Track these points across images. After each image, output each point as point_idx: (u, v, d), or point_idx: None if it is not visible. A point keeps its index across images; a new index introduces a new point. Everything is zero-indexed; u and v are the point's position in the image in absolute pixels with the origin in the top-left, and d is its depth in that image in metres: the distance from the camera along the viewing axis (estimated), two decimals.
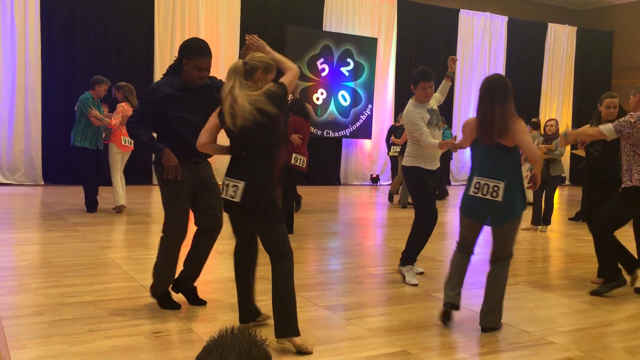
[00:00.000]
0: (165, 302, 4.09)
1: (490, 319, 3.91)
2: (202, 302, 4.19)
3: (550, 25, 16.49)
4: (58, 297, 4.20)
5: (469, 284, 5.24)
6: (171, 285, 4.15)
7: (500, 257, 3.95)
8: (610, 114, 5.26)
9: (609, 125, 4.78)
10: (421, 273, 5.36)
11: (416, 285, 4.98)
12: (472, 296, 4.77)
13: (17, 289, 4.39)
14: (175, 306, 4.07)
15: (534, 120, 10.70)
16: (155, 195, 10.12)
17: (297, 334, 3.37)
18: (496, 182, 3.78)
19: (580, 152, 9.15)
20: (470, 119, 4.04)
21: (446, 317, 3.99)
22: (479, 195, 3.84)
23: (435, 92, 5.33)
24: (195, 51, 3.84)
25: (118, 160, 8.02)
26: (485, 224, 3.96)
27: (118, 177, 8.00)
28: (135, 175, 11.72)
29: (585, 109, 16.80)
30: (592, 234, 5.16)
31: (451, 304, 3.97)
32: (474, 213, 3.95)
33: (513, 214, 3.85)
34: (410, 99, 5.30)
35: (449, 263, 4.16)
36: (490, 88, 3.81)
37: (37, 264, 5.19)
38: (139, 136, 3.89)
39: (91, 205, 8.04)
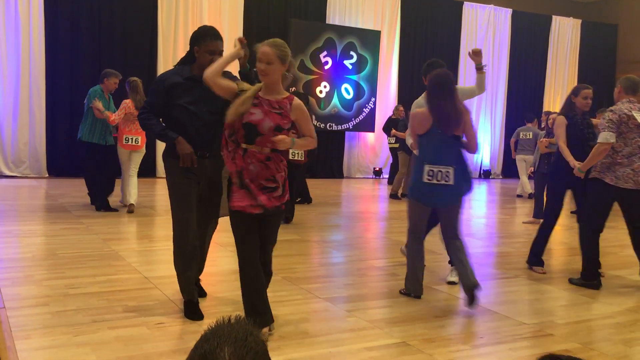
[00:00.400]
0: (188, 310, 3.86)
1: (471, 284, 4.17)
2: (204, 294, 4.22)
3: (554, 17, 16.43)
4: (62, 289, 4.25)
5: None
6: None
7: (455, 234, 4.38)
8: (586, 104, 5.46)
9: (605, 134, 4.87)
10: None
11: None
12: None
13: (21, 280, 4.45)
14: (197, 317, 3.79)
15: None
16: (159, 188, 10.17)
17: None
18: (447, 168, 4.21)
19: None
20: (419, 111, 4.39)
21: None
22: (434, 181, 4.22)
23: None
24: (205, 36, 3.82)
25: (125, 158, 7.78)
26: (435, 207, 4.38)
27: (127, 176, 7.80)
28: (140, 168, 11.78)
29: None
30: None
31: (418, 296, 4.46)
32: (429, 199, 4.31)
33: (461, 194, 4.30)
34: (424, 93, 5.16)
35: (407, 255, 4.56)
36: (447, 83, 4.24)
37: (41, 255, 5.25)
38: (151, 127, 3.87)
39: (96, 201, 7.75)
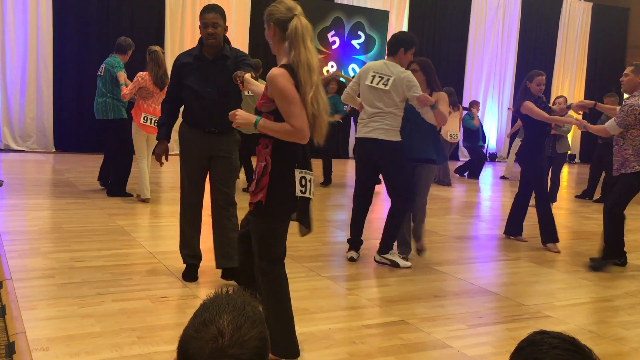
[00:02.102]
0: (185, 273, 4.11)
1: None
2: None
3: (565, 0, 16.26)
4: (68, 261, 4.32)
5: (471, 257, 5.33)
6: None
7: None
8: (539, 90, 5.67)
9: (612, 123, 5.00)
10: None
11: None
12: (472, 270, 4.85)
13: (28, 252, 4.52)
14: (192, 278, 4.07)
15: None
16: (165, 165, 10.22)
17: None
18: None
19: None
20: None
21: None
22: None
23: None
24: (201, 11, 3.92)
25: (141, 142, 6.71)
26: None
27: (144, 163, 6.70)
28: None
29: (597, 87, 16.64)
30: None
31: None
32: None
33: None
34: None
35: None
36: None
37: (47, 229, 5.32)
38: (160, 118, 4.18)
39: (114, 185, 7.02)
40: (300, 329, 3.32)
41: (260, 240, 2.92)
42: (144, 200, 6.79)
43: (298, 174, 2.80)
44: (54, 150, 11.01)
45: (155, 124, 6.37)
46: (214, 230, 4.08)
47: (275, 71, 2.73)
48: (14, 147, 10.80)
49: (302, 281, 4.24)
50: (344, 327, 3.42)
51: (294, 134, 2.75)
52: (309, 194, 2.86)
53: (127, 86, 6.69)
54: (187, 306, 3.61)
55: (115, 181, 7.04)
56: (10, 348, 2.82)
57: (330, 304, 3.81)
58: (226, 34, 4.00)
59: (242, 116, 2.85)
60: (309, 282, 4.23)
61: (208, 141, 3.96)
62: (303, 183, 2.81)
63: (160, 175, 9.07)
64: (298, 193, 2.81)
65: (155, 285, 3.93)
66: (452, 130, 9.97)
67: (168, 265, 4.38)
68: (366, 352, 3.09)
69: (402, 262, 4.75)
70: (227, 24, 4.00)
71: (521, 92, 5.78)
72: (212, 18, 3.83)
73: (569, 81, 16.65)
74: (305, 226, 2.97)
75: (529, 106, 5.60)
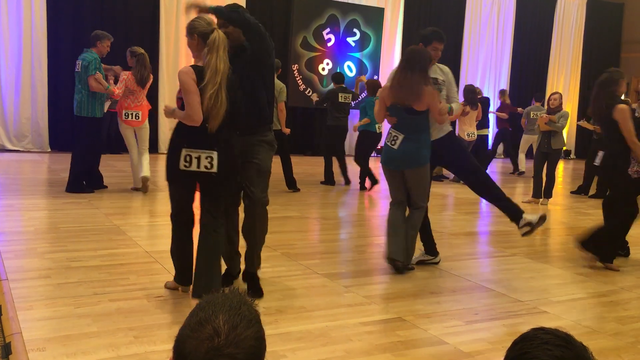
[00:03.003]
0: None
1: (393, 252, 4.48)
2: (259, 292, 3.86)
3: None
4: (64, 261, 4.31)
5: (467, 254, 5.34)
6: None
7: (414, 205, 4.60)
8: (622, 93, 5.36)
9: None
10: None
11: None
12: (468, 266, 4.86)
13: (24, 252, 4.51)
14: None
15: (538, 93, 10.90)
16: (161, 164, 10.21)
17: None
18: (397, 133, 4.52)
19: (587, 125, 9.19)
20: (384, 86, 4.79)
21: (397, 270, 4.53)
22: (388, 144, 4.56)
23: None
24: None
25: (129, 135, 7.30)
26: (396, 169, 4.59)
27: (135, 155, 7.30)
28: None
29: (592, 82, 16.65)
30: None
31: (394, 259, 4.51)
32: (388, 162, 4.61)
33: (413, 164, 4.49)
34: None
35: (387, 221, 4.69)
36: (410, 59, 4.42)
37: (43, 229, 5.31)
38: None
39: (89, 181, 7.22)
40: (296, 327, 3.33)
41: (170, 197, 3.81)
42: (138, 189, 7.30)
43: (184, 152, 3.50)
44: (50, 150, 10.98)
45: (137, 118, 7.26)
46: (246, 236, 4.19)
47: (182, 69, 3.50)
48: (9, 147, 10.77)
49: (299, 279, 4.25)
50: (341, 324, 3.43)
51: (188, 118, 3.46)
52: (196, 168, 3.52)
53: (105, 87, 6.99)
54: (184, 305, 3.61)
55: (73, 177, 7.06)
56: (7, 349, 2.81)
57: (326, 301, 3.81)
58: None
59: (165, 109, 3.70)
60: (306, 279, 4.24)
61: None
62: (188, 160, 3.51)
63: (156, 174, 9.06)
64: (181, 167, 3.52)
65: (152, 285, 3.93)
66: (470, 129, 9.96)
67: (164, 264, 4.38)
68: (363, 350, 3.10)
69: None
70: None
71: (601, 94, 5.01)
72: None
73: (564, 77, 16.68)
74: (215, 197, 3.69)
75: (625, 114, 4.83)
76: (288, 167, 8.12)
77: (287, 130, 7.95)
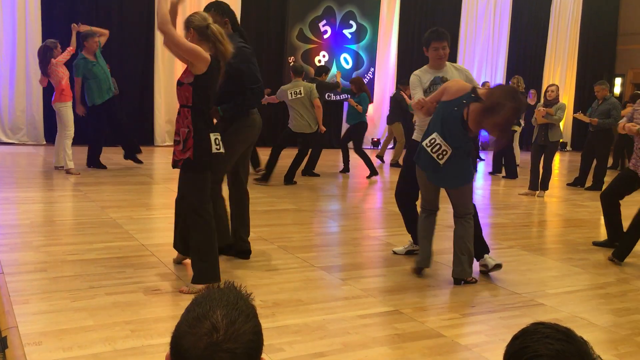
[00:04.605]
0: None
1: (458, 271, 4.15)
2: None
3: None
4: (60, 255, 4.29)
5: None
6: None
7: (458, 214, 4.24)
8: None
9: None
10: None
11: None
12: None
13: (19, 246, 4.49)
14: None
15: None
16: (157, 157, 10.18)
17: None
18: (445, 145, 4.01)
19: (583, 117, 9.19)
20: (457, 82, 4.18)
21: (418, 273, 4.35)
22: (432, 153, 4.05)
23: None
24: None
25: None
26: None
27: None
28: (138, 136, 11.76)
29: (589, 74, 16.68)
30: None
31: (420, 268, 4.35)
32: (431, 176, 4.18)
33: (459, 183, 4.14)
34: (425, 66, 4.77)
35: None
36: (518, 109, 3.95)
37: (39, 222, 5.29)
38: None
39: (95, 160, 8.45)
40: (293, 320, 3.33)
41: (192, 189, 3.71)
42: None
43: (212, 136, 3.67)
44: (45, 142, 10.93)
45: (52, 98, 7.90)
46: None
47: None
48: (4, 140, 10.71)
49: (296, 272, 4.24)
50: (339, 317, 3.42)
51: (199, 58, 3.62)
52: (221, 149, 3.75)
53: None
54: (181, 299, 3.60)
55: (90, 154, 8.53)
56: (3, 343, 2.80)
57: (324, 294, 3.81)
58: (229, 26, 4.36)
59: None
60: (303, 272, 4.23)
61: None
62: (217, 143, 3.69)
63: (153, 167, 9.04)
64: (214, 150, 3.67)
65: (149, 278, 3.92)
66: None
67: (161, 258, 4.36)
68: (360, 342, 3.10)
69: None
70: (225, 18, 4.32)
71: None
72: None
73: (560, 69, 16.67)
74: (220, 178, 4.04)
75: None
76: (300, 161, 8.39)
77: (323, 129, 8.56)
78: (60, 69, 7.82)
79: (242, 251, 4.49)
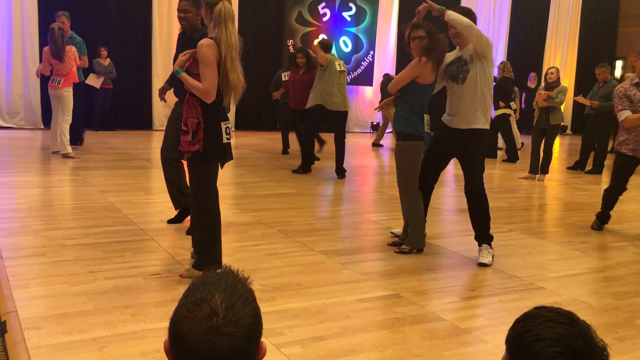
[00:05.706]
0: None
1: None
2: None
3: None
4: (59, 239, 4.28)
5: (464, 230, 5.33)
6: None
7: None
8: None
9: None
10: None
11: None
12: (465, 242, 4.85)
13: (18, 230, 4.47)
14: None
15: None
16: (155, 141, 10.14)
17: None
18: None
19: (584, 100, 9.14)
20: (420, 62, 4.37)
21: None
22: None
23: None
24: None
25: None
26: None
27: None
28: (136, 120, 11.73)
29: (589, 57, 16.58)
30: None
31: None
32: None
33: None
34: None
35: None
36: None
37: (37, 206, 5.27)
38: None
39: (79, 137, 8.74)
40: (293, 304, 3.32)
41: (201, 184, 3.57)
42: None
43: (223, 125, 3.52)
44: (42, 126, 10.88)
45: (58, 84, 7.76)
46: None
47: (204, 41, 3.40)
48: (2, 124, 10.67)
49: (296, 256, 4.23)
50: (338, 301, 3.42)
51: (202, 92, 3.40)
52: (231, 138, 3.64)
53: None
54: (180, 283, 3.59)
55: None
56: (2, 327, 2.79)
57: (324, 278, 3.80)
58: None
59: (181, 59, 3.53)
60: (303, 256, 4.22)
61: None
62: (228, 132, 3.56)
63: (151, 151, 9.01)
64: (224, 140, 3.54)
65: (148, 262, 3.91)
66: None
67: (160, 242, 4.35)
68: (360, 326, 3.09)
69: None
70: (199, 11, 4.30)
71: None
72: (182, 5, 4.38)
73: (561, 52, 16.57)
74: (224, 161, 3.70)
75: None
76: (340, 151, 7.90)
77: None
78: (72, 55, 7.78)
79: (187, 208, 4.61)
